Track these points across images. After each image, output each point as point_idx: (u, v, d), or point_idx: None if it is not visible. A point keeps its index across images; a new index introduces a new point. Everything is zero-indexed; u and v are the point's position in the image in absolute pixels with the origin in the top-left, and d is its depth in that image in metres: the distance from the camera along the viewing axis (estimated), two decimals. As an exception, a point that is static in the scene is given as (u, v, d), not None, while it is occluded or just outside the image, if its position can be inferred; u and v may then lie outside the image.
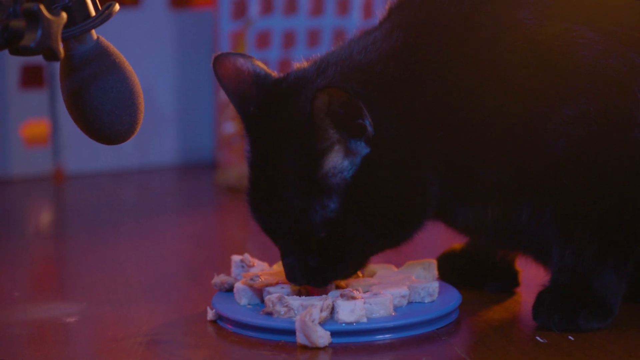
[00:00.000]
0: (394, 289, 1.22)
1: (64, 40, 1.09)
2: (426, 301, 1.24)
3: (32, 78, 2.28)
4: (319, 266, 1.19)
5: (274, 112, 1.20)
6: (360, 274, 1.27)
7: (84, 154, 2.30)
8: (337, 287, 1.22)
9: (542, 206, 1.20)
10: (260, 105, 1.22)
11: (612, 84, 1.17)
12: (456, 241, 1.36)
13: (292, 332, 1.16)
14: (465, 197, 1.21)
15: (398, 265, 1.31)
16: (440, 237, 1.30)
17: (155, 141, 2.37)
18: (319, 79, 1.20)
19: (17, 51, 1.02)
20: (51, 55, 1.03)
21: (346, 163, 1.17)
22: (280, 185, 1.18)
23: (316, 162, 1.16)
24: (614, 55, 1.17)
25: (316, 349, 1.14)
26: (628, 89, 1.17)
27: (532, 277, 1.31)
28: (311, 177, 1.16)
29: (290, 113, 1.19)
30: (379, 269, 1.29)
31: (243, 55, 1.24)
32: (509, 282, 1.36)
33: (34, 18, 1.00)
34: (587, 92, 1.17)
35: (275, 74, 1.24)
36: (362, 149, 1.17)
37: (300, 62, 1.26)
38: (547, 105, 1.17)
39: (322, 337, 1.14)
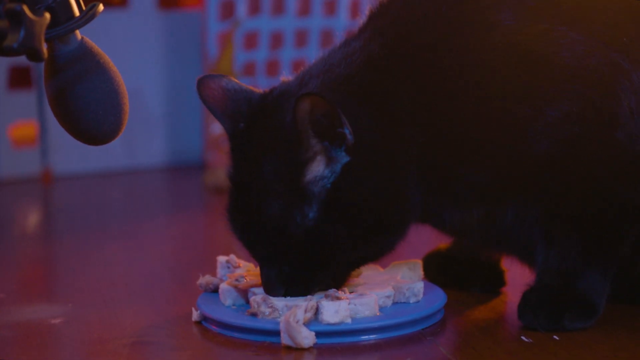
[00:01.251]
0: (379, 290, 1.22)
1: (47, 40, 1.09)
2: (411, 301, 1.24)
3: (20, 79, 2.28)
4: (296, 276, 1.19)
5: (258, 126, 1.20)
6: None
7: (72, 155, 2.29)
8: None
9: (526, 207, 1.20)
10: (248, 120, 1.22)
11: (595, 85, 1.17)
12: (442, 241, 1.36)
13: (276, 333, 1.16)
14: (451, 199, 1.21)
15: (384, 265, 1.31)
16: (425, 237, 1.30)
17: (144, 142, 2.37)
18: (301, 91, 1.19)
19: (0, 51, 1.02)
20: (34, 55, 1.03)
21: (327, 171, 1.17)
22: (259, 196, 1.18)
23: (299, 172, 1.16)
24: (596, 56, 1.17)
25: (301, 349, 1.14)
26: (611, 89, 1.17)
27: (518, 277, 1.31)
28: (292, 187, 1.17)
29: (273, 126, 1.19)
30: (365, 269, 1.29)
31: (225, 76, 1.24)
32: (495, 282, 1.36)
33: (16, 18, 1.00)
34: (570, 93, 1.17)
35: (260, 90, 1.24)
36: (342, 157, 1.17)
37: (287, 75, 1.27)
38: (529, 107, 1.17)
39: (306, 337, 1.14)
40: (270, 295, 1.19)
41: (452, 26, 1.19)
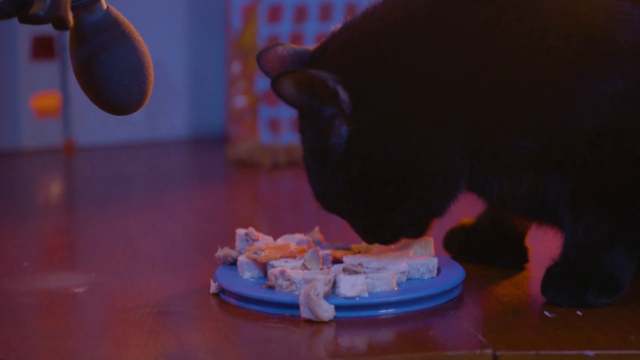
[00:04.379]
0: (393, 266, 1.22)
1: (73, 9, 1.09)
2: (425, 277, 1.23)
3: (43, 49, 2.28)
4: (373, 226, 1.21)
5: None
6: (356, 250, 1.28)
7: (95, 126, 2.30)
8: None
9: (558, 180, 1.19)
10: None
11: None
12: (464, 217, 1.36)
13: (294, 306, 1.15)
14: (498, 167, 1.20)
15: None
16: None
17: (166, 114, 2.37)
18: (325, 52, 1.21)
19: (26, 19, 1.02)
20: (60, 24, 1.03)
21: (343, 129, 1.18)
22: (316, 168, 1.21)
23: (322, 140, 1.19)
24: None
25: (321, 322, 1.14)
26: None
27: (542, 253, 1.31)
28: (325, 156, 1.19)
29: None
30: (376, 246, 1.28)
31: (281, 44, 1.25)
32: (519, 259, 1.35)
33: (43, -14, 1.00)
34: (623, 70, 1.15)
35: (311, 48, 1.25)
36: (348, 120, 1.17)
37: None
38: (582, 80, 1.16)
39: (326, 311, 1.14)
40: (369, 243, 1.23)
41: None
